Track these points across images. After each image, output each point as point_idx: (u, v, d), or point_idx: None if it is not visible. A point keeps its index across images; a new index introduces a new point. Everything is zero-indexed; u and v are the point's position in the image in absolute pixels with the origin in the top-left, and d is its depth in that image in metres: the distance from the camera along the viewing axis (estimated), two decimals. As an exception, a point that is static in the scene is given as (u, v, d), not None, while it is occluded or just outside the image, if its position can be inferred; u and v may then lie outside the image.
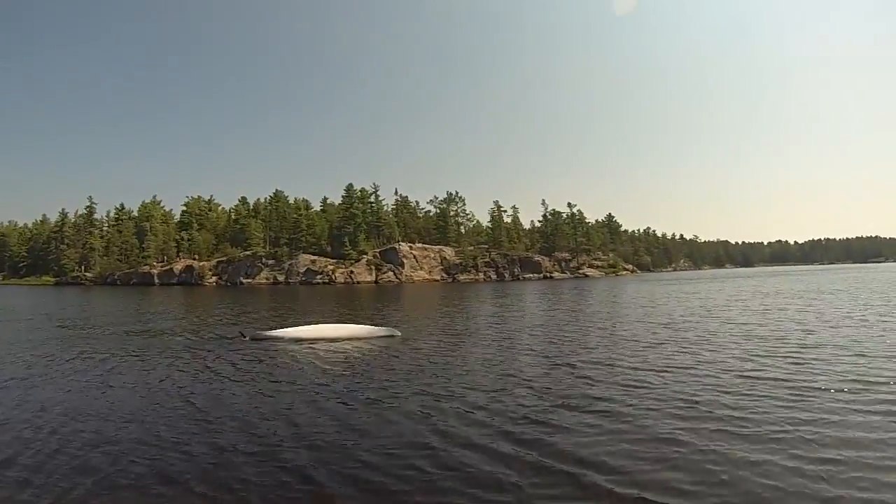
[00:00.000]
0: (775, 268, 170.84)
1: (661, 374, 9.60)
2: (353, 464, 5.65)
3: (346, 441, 6.39)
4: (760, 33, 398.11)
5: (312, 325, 16.20)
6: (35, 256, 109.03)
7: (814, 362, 10.34)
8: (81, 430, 6.98)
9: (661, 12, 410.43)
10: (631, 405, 7.57)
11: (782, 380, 8.87)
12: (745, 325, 16.73)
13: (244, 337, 15.36)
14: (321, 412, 7.71)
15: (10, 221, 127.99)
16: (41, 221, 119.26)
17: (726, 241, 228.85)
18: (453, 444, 6.14)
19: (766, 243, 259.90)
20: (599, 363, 10.83)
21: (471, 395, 8.42)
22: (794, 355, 11.11)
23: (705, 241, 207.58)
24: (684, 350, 12.18)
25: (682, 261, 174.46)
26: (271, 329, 16.15)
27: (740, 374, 9.46)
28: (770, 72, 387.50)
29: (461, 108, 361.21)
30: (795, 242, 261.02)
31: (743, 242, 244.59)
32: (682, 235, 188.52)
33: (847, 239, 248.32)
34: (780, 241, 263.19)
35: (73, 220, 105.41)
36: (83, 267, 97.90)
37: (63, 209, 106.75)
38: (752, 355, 11.27)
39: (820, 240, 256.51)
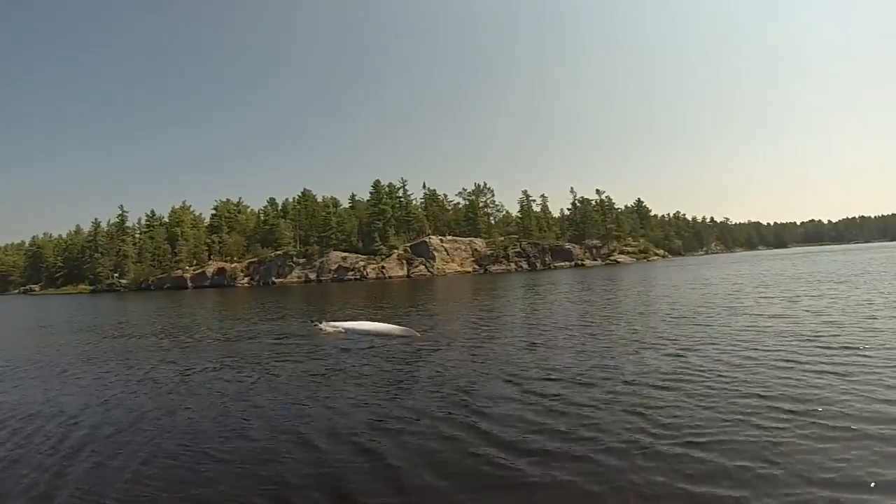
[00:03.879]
0: (809, 248, 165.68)
1: (663, 391, 7.96)
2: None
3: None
4: (791, 9, 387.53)
5: (354, 322, 17.75)
6: (70, 266, 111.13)
7: (840, 374, 8.34)
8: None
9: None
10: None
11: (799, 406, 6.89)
12: (770, 319, 14.74)
13: (318, 323, 17.55)
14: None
15: (45, 233, 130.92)
16: (75, 232, 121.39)
17: (758, 223, 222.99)
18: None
19: (798, 223, 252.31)
20: (600, 374, 9.19)
21: (462, 405, 7.76)
22: (818, 363, 9.07)
23: (736, 223, 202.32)
24: (700, 359, 10.03)
25: (713, 244, 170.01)
26: (330, 320, 18.45)
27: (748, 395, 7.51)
28: (802, 49, 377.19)
29: (486, 97, 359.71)
30: (829, 221, 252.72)
31: (775, 223, 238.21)
32: (712, 218, 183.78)
33: (883, 216, 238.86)
34: (813, 220, 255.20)
35: (105, 228, 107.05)
36: (118, 274, 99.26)
37: (96, 219, 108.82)
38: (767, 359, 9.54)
39: (854, 218, 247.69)
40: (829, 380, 7.97)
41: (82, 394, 10.02)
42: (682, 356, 10.18)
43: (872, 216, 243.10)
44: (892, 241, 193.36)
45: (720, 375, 8.54)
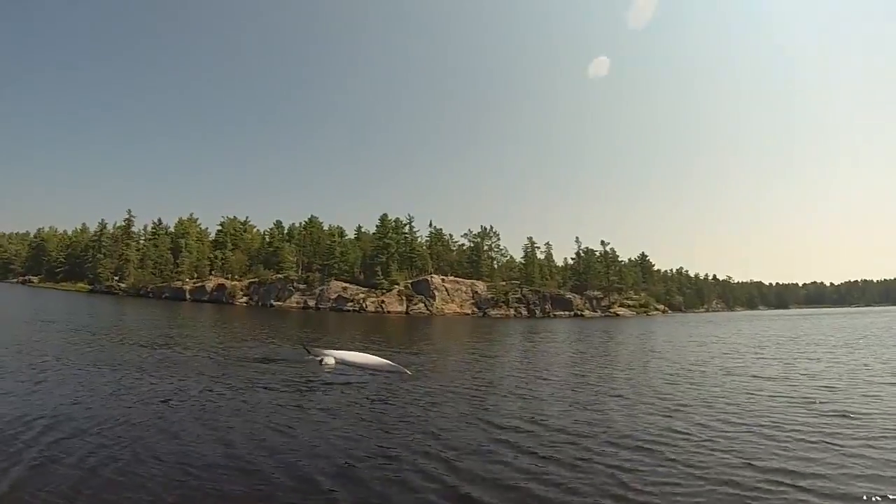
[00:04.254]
0: (810, 310, 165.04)
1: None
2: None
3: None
4: (793, 50, 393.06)
5: (346, 352, 17.93)
6: (72, 263, 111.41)
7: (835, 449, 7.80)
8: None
9: (680, 22, 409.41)
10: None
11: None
12: (764, 382, 14.38)
13: (310, 353, 17.49)
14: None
15: (50, 227, 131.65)
16: (81, 230, 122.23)
17: (760, 283, 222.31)
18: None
19: (800, 284, 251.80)
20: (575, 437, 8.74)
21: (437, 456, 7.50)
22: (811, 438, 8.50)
23: (738, 283, 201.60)
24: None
25: (714, 301, 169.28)
26: (323, 348, 18.45)
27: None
28: (805, 95, 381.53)
29: (497, 141, 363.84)
30: (831, 284, 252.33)
31: (777, 283, 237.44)
32: (715, 276, 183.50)
33: (885, 280, 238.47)
34: (815, 282, 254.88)
35: (111, 230, 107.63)
36: (118, 277, 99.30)
37: (102, 220, 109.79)
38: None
39: (857, 281, 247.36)
40: (819, 450, 7.61)
41: (48, 395, 10.04)
42: (669, 417, 9.95)
43: (874, 280, 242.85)
44: (894, 305, 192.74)
45: (707, 440, 8.24)
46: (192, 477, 6.08)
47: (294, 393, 11.40)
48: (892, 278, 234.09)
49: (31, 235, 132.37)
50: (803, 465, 6.93)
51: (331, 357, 16.54)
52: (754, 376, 15.45)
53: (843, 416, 9.85)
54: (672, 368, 17.52)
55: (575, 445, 7.86)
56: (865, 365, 17.79)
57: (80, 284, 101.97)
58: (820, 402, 11.02)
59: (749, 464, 6.91)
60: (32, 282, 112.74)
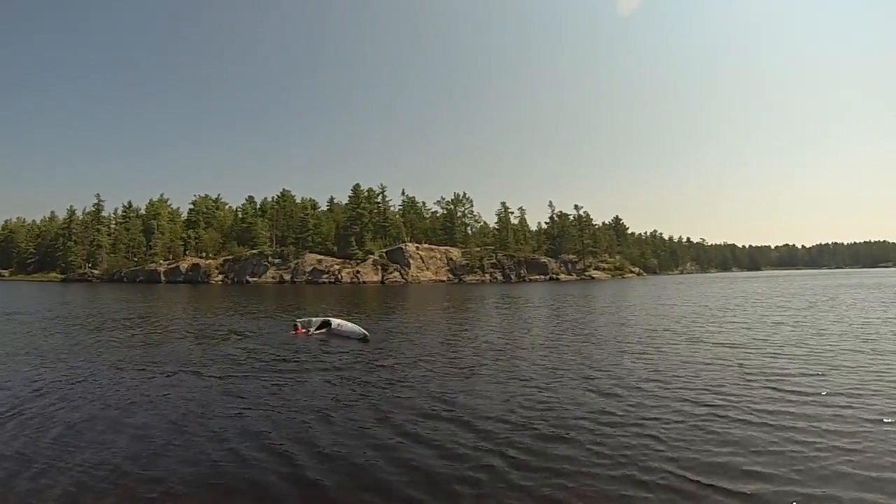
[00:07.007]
0: (782, 272, 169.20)
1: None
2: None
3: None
4: (768, 34, 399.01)
5: (322, 318, 18.32)
6: (43, 253, 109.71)
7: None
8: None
9: (665, 11, 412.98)
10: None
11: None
12: (721, 350, 13.46)
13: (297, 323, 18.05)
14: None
15: (18, 218, 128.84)
16: (50, 218, 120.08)
17: (733, 245, 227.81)
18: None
19: (773, 247, 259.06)
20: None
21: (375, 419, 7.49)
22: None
23: (712, 245, 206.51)
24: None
25: (688, 264, 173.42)
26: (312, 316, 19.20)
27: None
28: (778, 74, 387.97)
29: (468, 109, 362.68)
30: (803, 246, 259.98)
31: (750, 246, 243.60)
32: (688, 238, 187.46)
33: (855, 243, 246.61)
34: (787, 244, 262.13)
35: (81, 217, 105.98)
36: (90, 264, 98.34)
37: (71, 206, 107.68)
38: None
39: (828, 244, 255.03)
40: (757, 436, 6.50)
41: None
42: (606, 395, 8.89)
43: (845, 243, 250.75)
44: (863, 267, 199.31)
45: (640, 423, 7.19)
46: (109, 450, 6.13)
47: (226, 372, 10.93)
48: (862, 241, 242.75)
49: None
50: (740, 453, 5.98)
51: (308, 321, 17.55)
52: (711, 344, 14.51)
53: (796, 392, 8.85)
54: (627, 336, 16.61)
55: (482, 434, 6.78)
56: (821, 331, 16.99)
57: (53, 274, 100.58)
58: (771, 376, 10.22)
59: (673, 459, 5.84)
60: (3, 276, 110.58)
